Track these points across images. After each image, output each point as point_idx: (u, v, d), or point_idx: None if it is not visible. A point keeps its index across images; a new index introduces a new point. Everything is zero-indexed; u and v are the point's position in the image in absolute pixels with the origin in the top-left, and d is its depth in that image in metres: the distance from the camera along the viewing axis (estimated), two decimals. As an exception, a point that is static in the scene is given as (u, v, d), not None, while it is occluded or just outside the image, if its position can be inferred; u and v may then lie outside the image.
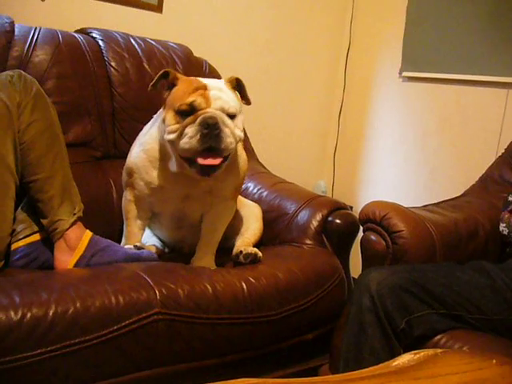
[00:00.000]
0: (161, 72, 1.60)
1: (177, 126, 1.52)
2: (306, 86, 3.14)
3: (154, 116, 1.74)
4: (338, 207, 1.95)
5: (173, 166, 1.60)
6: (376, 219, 1.69)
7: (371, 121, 3.05)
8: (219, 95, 1.53)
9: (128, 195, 1.75)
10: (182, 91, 1.54)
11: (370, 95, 3.06)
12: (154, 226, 1.91)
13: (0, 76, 1.54)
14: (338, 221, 1.90)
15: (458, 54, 2.57)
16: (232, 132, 1.53)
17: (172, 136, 1.53)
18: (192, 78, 1.62)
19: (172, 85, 1.59)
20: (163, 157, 1.63)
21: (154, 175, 1.67)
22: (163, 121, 1.58)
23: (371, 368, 0.92)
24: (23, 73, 1.56)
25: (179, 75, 1.61)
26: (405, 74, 2.83)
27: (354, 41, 3.13)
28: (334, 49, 3.20)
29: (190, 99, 1.51)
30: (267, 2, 2.90)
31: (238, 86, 1.64)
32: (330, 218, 1.91)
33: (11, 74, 1.54)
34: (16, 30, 1.97)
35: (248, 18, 2.85)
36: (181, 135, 1.50)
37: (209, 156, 1.49)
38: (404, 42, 2.81)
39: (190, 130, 1.49)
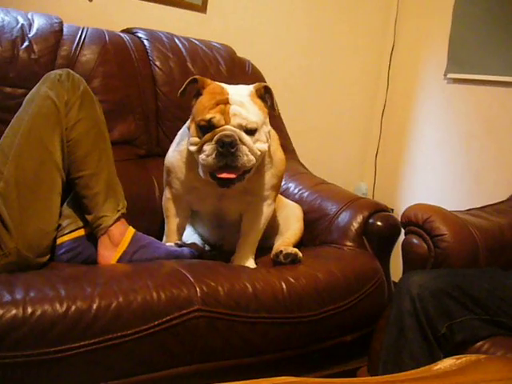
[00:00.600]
0: (189, 79, 1.61)
1: (197, 139, 1.55)
2: (348, 87, 3.12)
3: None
4: (379, 209, 1.93)
5: (201, 172, 1.61)
6: (418, 222, 1.67)
7: (414, 122, 3.01)
8: (239, 111, 1.53)
9: (167, 193, 1.78)
10: (204, 105, 1.55)
11: (413, 96, 3.02)
12: (195, 225, 1.94)
13: (49, 75, 1.58)
14: (379, 223, 1.88)
15: (505, 56, 2.51)
16: (251, 149, 1.53)
17: (193, 148, 1.57)
18: (218, 87, 1.60)
19: (199, 93, 1.61)
20: (195, 159, 1.64)
21: (188, 175, 1.69)
22: (188, 129, 1.61)
23: (412, 371, 0.92)
24: (71, 72, 1.60)
25: (207, 82, 1.61)
26: (450, 75, 2.78)
27: (398, 41, 3.09)
28: (378, 49, 3.17)
29: (209, 116, 1.52)
30: (310, 1, 2.89)
31: (266, 93, 1.63)
32: (371, 220, 1.89)
33: (60, 73, 1.57)
34: (64, 29, 2.02)
35: (291, 18, 2.85)
36: (200, 150, 1.53)
37: (225, 171, 1.51)
38: (450, 42, 2.76)
39: (208, 148, 1.51)
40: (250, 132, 1.53)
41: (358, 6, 3.05)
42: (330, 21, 2.97)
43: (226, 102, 1.53)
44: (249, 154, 1.52)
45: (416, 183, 2.98)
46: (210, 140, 1.51)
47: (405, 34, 3.08)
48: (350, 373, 1.79)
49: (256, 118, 1.55)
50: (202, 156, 1.52)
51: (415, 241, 1.67)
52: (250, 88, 1.62)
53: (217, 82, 1.63)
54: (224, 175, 1.51)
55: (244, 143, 1.51)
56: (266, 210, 1.75)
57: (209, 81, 1.62)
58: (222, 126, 1.51)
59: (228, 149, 1.48)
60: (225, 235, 1.88)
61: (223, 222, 1.81)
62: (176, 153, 1.72)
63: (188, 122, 1.73)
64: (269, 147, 1.64)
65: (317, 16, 2.93)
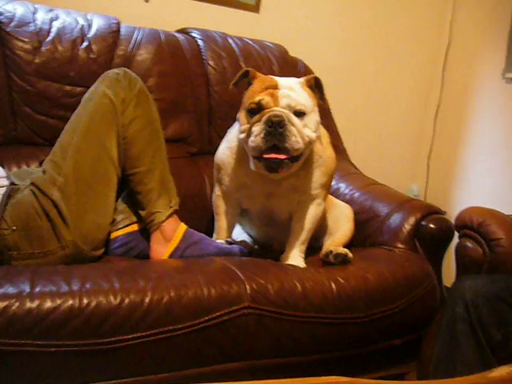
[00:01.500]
0: (241, 71, 1.63)
1: (246, 126, 1.56)
2: (400, 86, 3.08)
3: None
4: (432, 211, 1.89)
5: (251, 164, 1.62)
6: (473, 225, 1.63)
7: (470, 123, 2.94)
8: (288, 93, 1.53)
9: (217, 190, 1.80)
10: (253, 91, 1.57)
11: (469, 97, 2.95)
12: (244, 223, 1.95)
13: (107, 74, 1.62)
14: (431, 225, 1.85)
15: None
16: (299, 131, 1.52)
17: (243, 135, 1.57)
18: (268, 76, 1.63)
19: (249, 84, 1.62)
20: (245, 155, 1.65)
21: (237, 172, 1.70)
22: (238, 120, 1.62)
23: (465, 377, 0.90)
24: (128, 71, 1.64)
25: (258, 74, 1.63)
26: (509, 75, 2.70)
27: (453, 39, 3.03)
28: (432, 48, 3.11)
29: (258, 98, 1.53)
30: (363, 2, 2.87)
31: (316, 85, 1.63)
32: (423, 223, 1.86)
33: (117, 72, 1.61)
34: (122, 30, 2.07)
35: (344, 18, 2.83)
36: (249, 134, 1.53)
37: (273, 153, 1.50)
38: (509, 41, 2.69)
39: (256, 129, 1.51)
40: (299, 114, 1.53)
41: (412, 4, 3.00)
42: (383, 20, 2.94)
43: (276, 87, 1.55)
44: (297, 135, 1.51)
45: (470, 186, 2.92)
46: (259, 121, 1.51)
47: (461, 32, 3.01)
48: (398, 377, 1.77)
49: (305, 101, 1.56)
50: (251, 138, 1.52)
51: (469, 245, 1.64)
52: (300, 79, 1.63)
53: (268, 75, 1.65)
54: (272, 155, 1.50)
55: (293, 124, 1.50)
56: (316, 209, 1.74)
57: (259, 73, 1.64)
58: (271, 107, 1.51)
59: (276, 128, 1.48)
60: (274, 234, 1.88)
61: (272, 221, 1.81)
62: (226, 149, 1.73)
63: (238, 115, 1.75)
64: (318, 138, 1.63)
65: (369, 15, 2.90)
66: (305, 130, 1.54)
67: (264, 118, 1.50)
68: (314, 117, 1.58)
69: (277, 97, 1.52)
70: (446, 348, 1.41)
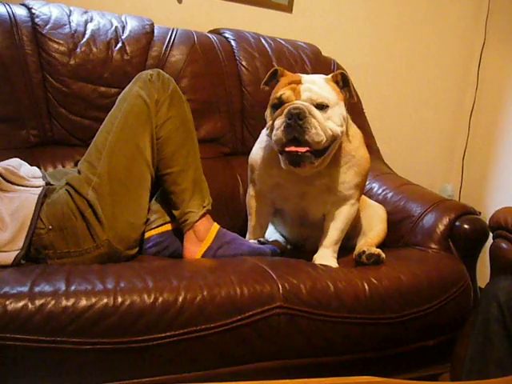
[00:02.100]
0: (271, 70, 1.65)
1: (270, 121, 1.57)
2: (434, 86, 3.04)
3: None
4: (466, 212, 1.87)
5: (281, 162, 1.62)
6: (508, 226, 1.60)
7: (505, 123, 2.89)
8: (309, 87, 1.53)
9: (251, 191, 1.80)
10: (278, 87, 1.59)
11: (504, 96, 2.90)
12: (276, 223, 1.95)
13: (141, 75, 1.64)
14: (466, 226, 1.82)
15: None
16: (320, 123, 1.50)
17: (267, 131, 1.60)
18: (295, 74, 1.64)
19: (277, 82, 1.63)
20: (277, 154, 1.65)
21: (270, 172, 1.70)
22: (266, 118, 1.63)
23: (499, 379, 0.89)
24: (161, 72, 1.65)
25: (286, 72, 1.64)
26: (545, 73, 2.65)
27: (489, 37, 2.98)
28: (467, 46, 3.06)
29: (280, 93, 1.54)
30: (396, 0, 2.84)
31: (342, 80, 1.62)
32: (457, 223, 1.83)
33: (151, 73, 1.63)
34: (155, 31, 2.09)
35: (377, 17, 2.81)
36: (272, 128, 1.54)
37: (293, 145, 1.50)
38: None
39: (278, 122, 1.52)
40: (321, 107, 1.52)
41: (446, 2, 2.96)
42: (417, 18, 2.91)
43: (299, 82, 1.55)
44: (318, 128, 1.49)
45: (506, 186, 2.86)
46: (280, 115, 1.52)
47: (497, 30, 2.96)
48: (431, 378, 1.75)
49: (328, 94, 1.55)
50: (274, 132, 1.53)
51: (504, 245, 1.61)
52: (327, 76, 1.64)
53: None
54: (292, 148, 1.50)
55: (314, 116, 1.50)
56: (350, 209, 1.73)
57: (287, 72, 1.65)
58: (292, 101, 1.52)
59: (296, 120, 1.48)
60: (307, 235, 1.88)
61: (306, 221, 1.81)
62: (259, 150, 1.74)
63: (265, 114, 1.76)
64: (344, 133, 1.61)
65: (402, 14, 2.87)
66: (327, 123, 1.53)
67: (285, 111, 1.50)
68: (338, 110, 1.57)
69: (298, 91, 1.53)
70: (480, 349, 1.39)
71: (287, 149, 1.51)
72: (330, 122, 1.54)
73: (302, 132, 1.48)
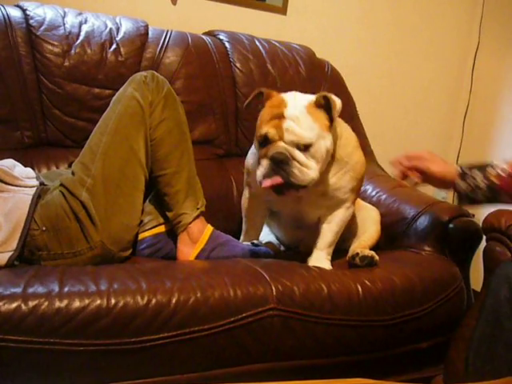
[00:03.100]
0: (255, 92, 1.61)
1: (256, 153, 1.60)
2: (428, 88, 3.05)
3: None
4: (460, 214, 1.87)
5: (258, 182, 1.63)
6: (501, 228, 1.61)
7: (500, 125, 2.90)
8: (292, 127, 1.50)
9: (246, 193, 1.80)
10: (261, 119, 1.56)
11: (499, 99, 2.91)
12: (272, 225, 1.95)
13: (135, 76, 1.64)
14: (459, 228, 1.83)
15: None
16: (303, 165, 1.50)
17: (251, 162, 1.68)
18: (278, 99, 1.57)
19: (263, 106, 1.60)
20: None
21: None
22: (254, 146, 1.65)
23: (500, 380, 0.89)
24: (156, 73, 1.65)
25: (272, 95, 1.58)
26: (539, 76, 2.66)
27: (483, 40, 2.99)
28: (461, 48, 3.08)
29: (264, 131, 1.52)
30: (391, 1, 2.85)
31: (326, 104, 1.56)
32: (451, 225, 1.84)
33: (145, 75, 1.63)
34: (150, 33, 2.09)
35: (371, 20, 2.82)
36: (258, 164, 1.55)
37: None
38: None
39: (263, 162, 1.52)
40: (304, 148, 1.51)
41: (440, 6, 2.97)
42: (411, 21, 2.92)
43: (282, 117, 1.52)
44: (302, 170, 1.50)
45: (499, 189, 2.87)
46: (265, 154, 1.52)
47: (490, 33, 2.97)
48: (424, 380, 1.75)
49: (309, 133, 1.52)
50: (259, 169, 1.53)
51: (497, 248, 1.61)
52: (310, 100, 1.57)
53: (281, 94, 1.60)
54: (267, 183, 1.50)
55: (297, 160, 1.50)
56: (345, 212, 1.74)
57: (274, 93, 1.60)
58: (276, 141, 1.51)
59: (280, 166, 1.49)
60: (302, 237, 1.88)
61: (302, 223, 1.81)
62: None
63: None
64: (339, 138, 1.63)
65: (397, 16, 2.88)
66: (309, 163, 1.52)
67: (269, 155, 1.50)
68: (322, 144, 1.54)
69: (281, 130, 1.51)
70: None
71: (264, 184, 1.51)
72: (311, 160, 1.52)
73: (285, 176, 1.49)
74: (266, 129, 1.52)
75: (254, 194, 1.78)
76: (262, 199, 1.77)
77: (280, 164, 1.49)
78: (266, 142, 1.53)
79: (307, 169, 1.51)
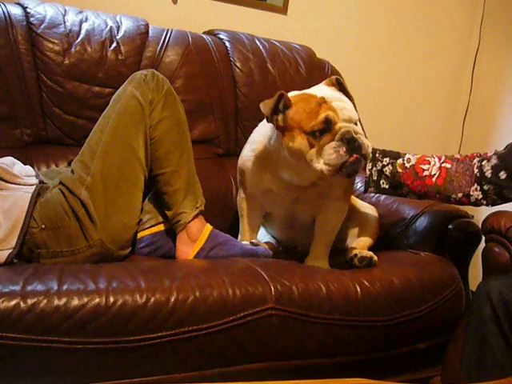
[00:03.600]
0: (277, 95, 1.53)
1: (308, 148, 1.49)
2: (428, 89, 3.06)
3: (261, 123, 1.74)
4: (459, 215, 1.87)
5: (299, 179, 1.61)
6: (501, 230, 1.61)
7: (499, 127, 2.90)
8: (344, 106, 1.51)
9: (241, 193, 1.80)
10: (305, 111, 1.50)
11: (499, 100, 2.91)
12: (267, 225, 1.95)
13: (135, 75, 1.64)
14: (458, 229, 1.83)
15: None
16: (363, 138, 1.50)
17: (306, 158, 1.50)
18: (301, 94, 1.57)
19: (286, 107, 1.53)
20: (273, 163, 1.64)
21: (262, 178, 1.69)
22: (283, 142, 1.55)
23: (500, 381, 0.89)
24: (156, 72, 1.65)
25: (290, 95, 1.56)
26: (539, 78, 2.67)
27: (483, 41, 2.99)
28: (462, 50, 3.08)
29: (323, 115, 1.47)
30: (391, 2, 2.85)
31: (338, 85, 1.61)
32: (450, 226, 1.84)
33: (145, 73, 1.63)
34: (150, 31, 2.09)
35: (371, 20, 2.82)
36: (320, 154, 1.48)
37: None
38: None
39: (330, 146, 1.46)
40: (356, 123, 1.52)
41: (441, 7, 2.98)
42: (411, 22, 2.92)
43: (324, 101, 1.50)
44: (364, 139, 1.49)
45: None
46: (331, 140, 1.47)
47: (491, 35, 2.97)
48: (422, 381, 1.75)
49: (354, 108, 1.55)
50: (328, 156, 1.46)
51: (497, 249, 1.62)
52: (324, 86, 1.61)
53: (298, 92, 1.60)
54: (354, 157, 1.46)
55: (358, 133, 1.49)
56: (339, 211, 1.73)
57: (292, 95, 1.58)
58: (336, 123, 1.47)
59: (352, 143, 1.45)
60: (296, 237, 1.89)
61: (294, 224, 1.81)
62: (250, 155, 1.71)
63: (261, 124, 1.72)
64: None
65: (397, 17, 2.88)
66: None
67: (337, 136, 1.46)
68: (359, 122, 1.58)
69: (335, 110, 1.49)
70: (477, 349, 1.40)
71: (351, 159, 1.47)
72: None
73: (360, 150, 1.47)
74: (324, 113, 1.48)
75: (249, 194, 1.77)
76: (257, 199, 1.77)
77: (352, 141, 1.46)
78: (327, 127, 1.47)
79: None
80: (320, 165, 1.48)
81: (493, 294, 1.37)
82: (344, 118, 1.49)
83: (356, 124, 1.52)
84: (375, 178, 1.68)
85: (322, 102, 1.50)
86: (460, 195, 1.62)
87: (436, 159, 1.67)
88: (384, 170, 1.67)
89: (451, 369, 1.59)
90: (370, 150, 1.50)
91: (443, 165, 1.65)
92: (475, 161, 1.63)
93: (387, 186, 1.68)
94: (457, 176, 1.63)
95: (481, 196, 1.60)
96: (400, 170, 1.66)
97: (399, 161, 1.68)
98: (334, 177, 1.52)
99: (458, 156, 1.69)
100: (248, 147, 1.75)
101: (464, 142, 3.08)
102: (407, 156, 1.69)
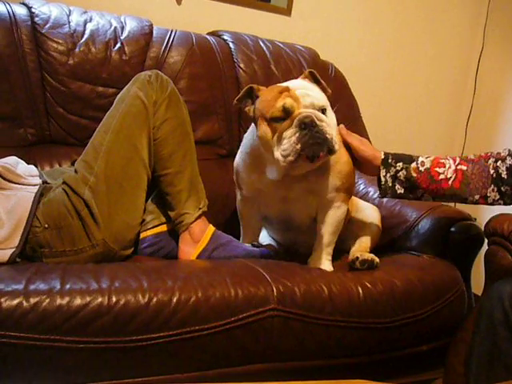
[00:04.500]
0: (246, 88, 1.58)
1: (270, 135, 1.50)
2: (432, 91, 3.06)
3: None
4: (462, 218, 1.87)
5: (272, 173, 1.60)
6: (504, 233, 1.60)
7: (503, 129, 2.90)
8: (306, 92, 1.50)
9: (238, 195, 1.81)
10: (267, 99, 1.52)
11: (503, 103, 2.91)
12: (266, 227, 1.95)
13: (139, 75, 1.64)
14: (461, 232, 1.83)
15: None
16: (329, 126, 1.48)
17: (268, 144, 1.52)
18: (272, 86, 1.58)
19: (255, 98, 1.57)
20: (259, 162, 1.64)
21: (252, 179, 1.70)
22: (257, 135, 1.57)
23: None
24: (160, 73, 1.66)
25: (260, 87, 1.58)
26: (542, 81, 2.66)
27: (487, 44, 2.99)
28: (466, 52, 3.08)
29: (280, 103, 1.48)
30: (395, 4, 2.86)
31: (313, 79, 1.60)
32: (452, 229, 1.83)
33: (149, 74, 1.63)
34: (154, 32, 2.10)
35: (375, 22, 2.82)
36: (279, 142, 1.48)
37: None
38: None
39: (288, 133, 1.46)
40: (322, 111, 1.50)
41: (445, 9, 2.98)
42: (415, 24, 2.92)
43: (288, 90, 1.51)
44: (330, 130, 1.47)
45: (501, 193, 2.87)
46: (289, 126, 1.47)
47: (495, 37, 2.97)
48: (424, 383, 1.75)
49: (322, 96, 1.54)
50: (285, 144, 1.46)
51: (499, 252, 1.61)
52: (299, 79, 1.61)
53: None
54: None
55: (321, 120, 1.47)
56: (336, 212, 1.70)
57: (262, 87, 1.60)
58: (296, 109, 1.47)
59: (310, 129, 1.44)
60: (296, 239, 1.88)
61: (292, 225, 1.80)
62: (243, 155, 1.72)
63: (251, 128, 1.71)
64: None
65: (401, 19, 2.88)
66: (331, 123, 1.52)
67: (295, 122, 1.45)
68: (332, 112, 1.56)
69: (297, 98, 1.48)
70: (487, 354, 1.39)
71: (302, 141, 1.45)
72: (331, 122, 1.53)
73: (318, 137, 1.45)
74: (282, 101, 1.48)
75: (244, 195, 1.77)
76: (253, 201, 1.77)
77: (309, 126, 1.44)
78: (285, 115, 1.48)
79: (332, 128, 1.50)
80: (277, 153, 1.49)
81: (505, 299, 1.37)
82: (305, 105, 1.48)
83: (323, 112, 1.50)
84: (390, 184, 1.67)
85: (285, 90, 1.51)
86: (477, 197, 1.62)
87: (451, 161, 1.66)
88: (398, 175, 1.66)
89: (453, 372, 1.59)
90: (333, 142, 1.47)
91: (459, 167, 1.64)
92: (490, 161, 1.62)
93: (403, 191, 1.67)
94: (473, 178, 1.61)
95: (498, 197, 1.59)
96: (415, 175, 1.65)
97: (413, 165, 1.66)
98: (296, 164, 1.50)
99: (472, 157, 1.67)
100: (241, 148, 1.76)
101: (467, 144, 3.08)
102: (421, 159, 1.67)
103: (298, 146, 1.45)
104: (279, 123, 1.49)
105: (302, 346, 1.47)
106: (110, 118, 1.60)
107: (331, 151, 1.49)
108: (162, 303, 1.30)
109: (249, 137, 1.70)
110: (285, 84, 1.56)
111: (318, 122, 1.45)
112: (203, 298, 1.34)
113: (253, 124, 1.66)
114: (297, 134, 1.45)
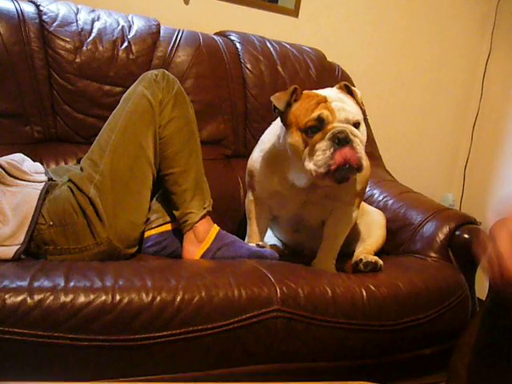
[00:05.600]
0: (291, 89, 1.55)
1: (302, 145, 1.50)
2: (439, 95, 3.05)
3: (274, 122, 1.75)
4: (467, 221, 1.87)
5: (299, 180, 1.60)
6: (508, 237, 1.60)
7: (509, 133, 2.89)
8: (343, 106, 1.50)
9: (250, 196, 1.80)
10: (304, 108, 1.51)
11: (509, 107, 2.90)
12: (273, 228, 1.95)
13: (146, 74, 1.64)
14: (466, 236, 1.82)
15: None
16: (361, 141, 1.49)
17: (302, 154, 1.51)
18: (310, 92, 1.58)
19: (293, 101, 1.55)
20: (281, 164, 1.64)
21: (271, 180, 1.69)
22: (285, 138, 1.56)
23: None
24: (166, 72, 1.66)
25: (302, 91, 1.57)
26: (550, 85, 2.65)
27: (494, 47, 2.98)
28: (473, 56, 3.07)
29: (317, 113, 1.48)
30: (402, 7, 2.85)
31: (348, 92, 1.60)
32: (457, 232, 1.83)
33: (156, 73, 1.63)
34: (161, 31, 2.10)
35: (382, 24, 2.82)
36: (312, 153, 1.48)
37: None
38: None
39: (321, 146, 1.46)
40: (356, 126, 1.51)
41: (452, 11, 2.97)
42: (422, 26, 2.92)
43: (326, 100, 1.51)
44: (360, 145, 1.48)
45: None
46: (322, 138, 1.46)
47: (503, 41, 2.96)
48: (427, 387, 1.75)
49: (357, 110, 1.54)
50: (317, 156, 1.46)
51: (504, 256, 1.60)
52: (334, 89, 1.60)
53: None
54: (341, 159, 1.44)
55: (355, 136, 1.47)
56: (350, 216, 1.73)
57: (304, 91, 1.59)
58: (331, 122, 1.47)
59: (344, 144, 1.44)
60: (302, 240, 1.88)
61: (302, 227, 1.80)
62: (260, 157, 1.71)
63: (272, 125, 1.73)
64: None
65: (409, 21, 2.88)
66: (363, 139, 1.52)
67: (328, 135, 1.45)
68: (363, 125, 1.56)
69: (333, 110, 1.48)
70: (492, 360, 1.38)
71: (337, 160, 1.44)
72: (363, 137, 1.53)
73: (352, 154, 1.45)
74: (318, 111, 1.48)
75: (257, 196, 1.77)
76: (265, 202, 1.77)
77: (344, 141, 1.45)
78: (319, 125, 1.48)
79: (363, 143, 1.50)
80: (310, 164, 1.48)
81: (508, 303, 1.36)
82: (340, 119, 1.48)
83: (357, 127, 1.51)
84: None
85: (323, 101, 1.51)
86: None
87: None
88: None
89: (456, 376, 1.58)
90: (363, 159, 1.47)
91: None
92: None
93: None
94: None
95: None
96: None
97: None
98: (323, 181, 1.50)
99: None
100: (258, 148, 1.75)
101: (473, 148, 3.07)
102: None
103: (332, 162, 1.45)
104: (312, 134, 1.48)
105: (305, 347, 1.47)
106: (116, 116, 1.60)
107: (359, 170, 1.49)
108: (166, 302, 1.30)
109: (272, 139, 1.68)
110: (323, 93, 1.55)
111: (351, 137, 1.46)
112: (207, 297, 1.34)
113: (275, 125, 1.67)
114: (331, 149, 1.45)
